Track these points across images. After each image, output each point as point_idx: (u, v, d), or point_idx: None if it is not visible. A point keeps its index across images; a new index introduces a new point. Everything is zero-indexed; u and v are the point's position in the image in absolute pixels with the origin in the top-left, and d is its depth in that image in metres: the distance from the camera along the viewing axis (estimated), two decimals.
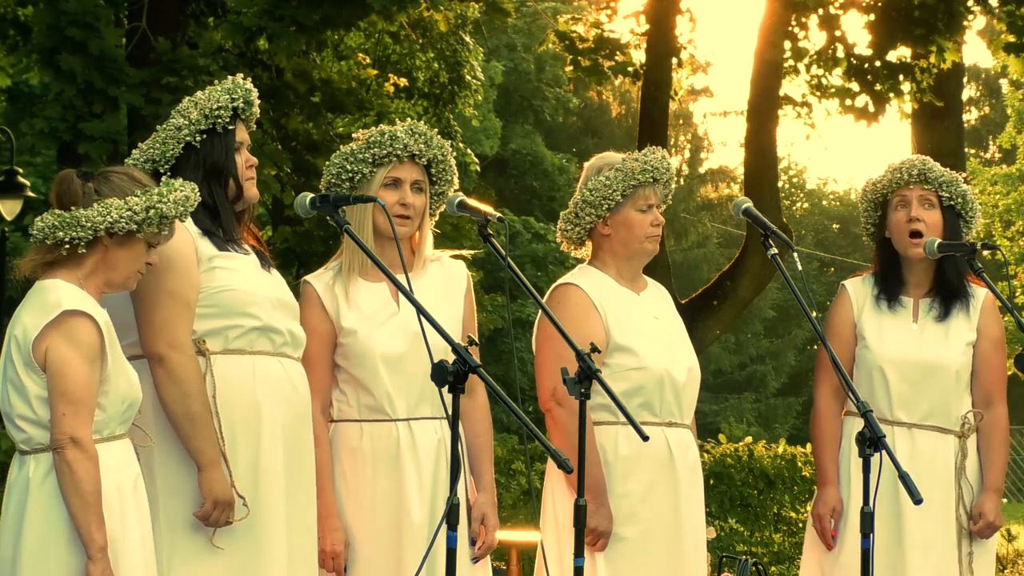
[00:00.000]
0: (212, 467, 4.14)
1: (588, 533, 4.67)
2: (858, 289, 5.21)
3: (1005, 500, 5.27)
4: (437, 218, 4.82)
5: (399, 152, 4.64)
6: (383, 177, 4.64)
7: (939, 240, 5.05)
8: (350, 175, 4.64)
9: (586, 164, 5.06)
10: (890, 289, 5.16)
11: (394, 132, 4.66)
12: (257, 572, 4.21)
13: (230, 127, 4.37)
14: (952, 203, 5.13)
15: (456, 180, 4.78)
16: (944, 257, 5.10)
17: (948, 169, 5.17)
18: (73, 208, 3.92)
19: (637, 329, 4.86)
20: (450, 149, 4.77)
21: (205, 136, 4.32)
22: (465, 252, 4.91)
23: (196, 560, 4.17)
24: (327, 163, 4.72)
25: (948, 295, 5.12)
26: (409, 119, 4.84)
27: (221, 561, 4.18)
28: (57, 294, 3.88)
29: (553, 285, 4.95)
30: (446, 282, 4.72)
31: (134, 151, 4.37)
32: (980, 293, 5.16)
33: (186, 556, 4.16)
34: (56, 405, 3.81)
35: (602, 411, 4.72)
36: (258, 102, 4.49)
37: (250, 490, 4.21)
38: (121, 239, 3.95)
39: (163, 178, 4.15)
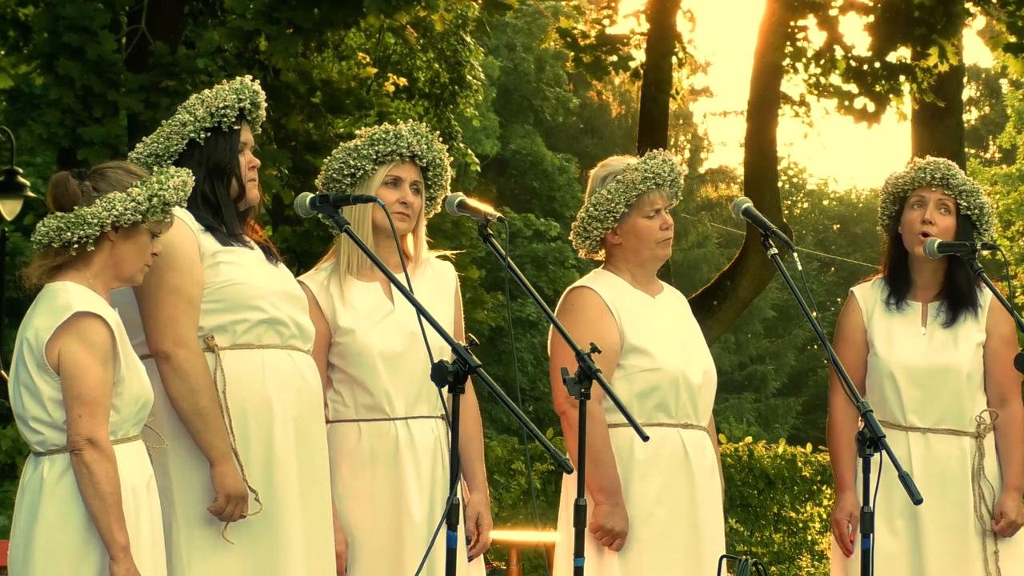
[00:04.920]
0: (223, 461, 4.14)
1: (605, 534, 4.68)
2: (867, 294, 5.21)
3: None
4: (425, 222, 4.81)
5: (402, 151, 4.65)
6: (384, 175, 4.65)
7: (939, 240, 5.05)
8: (352, 170, 4.64)
9: (591, 172, 5.03)
10: (898, 289, 5.16)
11: (399, 131, 4.66)
12: (274, 565, 4.21)
13: (235, 127, 4.37)
14: (969, 212, 5.13)
15: (448, 186, 4.78)
16: (954, 262, 5.10)
17: (972, 179, 5.17)
18: (75, 208, 3.92)
19: (652, 331, 4.86)
20: (447, 154, 4.77)
21: (209, 134, 4.33)
22: (449, 252, 4.91)
23: (214, 555, 4.17)
24: (327, 158, 4.71)
25: (957, 302, 5.11)
26: (410, 119, 4.84)
27: (238, 555, 4.19)
28: (67, 296, 3.88)
29: (568, 288, 4.95)
30: (437, 283, 4.73)
31: (138, 145, 4.37)
32: (987, 293, 5.15)
33: (204, 551, 4.17)
34: (72, 407, 3.81)
35: (618, 413, 4.71)
36: (265, 104, 4.49)
37: (264, 484, 4.21)
38: (127, 232, 3.96)
39: (155, 167, 4.15)
